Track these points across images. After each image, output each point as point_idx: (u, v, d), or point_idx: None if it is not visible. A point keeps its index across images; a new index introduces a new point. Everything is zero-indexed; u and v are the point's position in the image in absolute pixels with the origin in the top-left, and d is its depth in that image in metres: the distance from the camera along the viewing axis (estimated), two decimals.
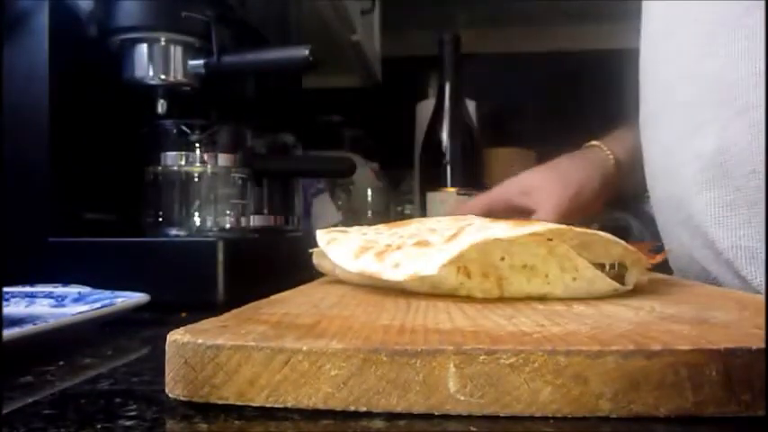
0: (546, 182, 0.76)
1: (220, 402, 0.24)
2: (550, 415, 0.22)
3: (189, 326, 0.26)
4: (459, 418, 0.22)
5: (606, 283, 0.35)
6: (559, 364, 0.22)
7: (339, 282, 0.43)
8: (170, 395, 0.25)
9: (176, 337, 0.25)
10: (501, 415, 0.22)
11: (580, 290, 0.34)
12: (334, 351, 0.23)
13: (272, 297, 0.36)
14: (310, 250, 0.47)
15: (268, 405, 0.23)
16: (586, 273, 0.34)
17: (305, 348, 0.23)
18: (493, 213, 0.71)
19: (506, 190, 0.79)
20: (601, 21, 1.66)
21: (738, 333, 0.25)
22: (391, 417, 0.23)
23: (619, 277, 0.36)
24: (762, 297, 0.43)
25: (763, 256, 0.47)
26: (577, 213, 0.74)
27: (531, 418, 0.22)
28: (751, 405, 0.22)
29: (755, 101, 0.45)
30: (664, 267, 0.53)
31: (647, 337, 0.23)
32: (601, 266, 0.35)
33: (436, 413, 0.22)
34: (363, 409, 0.23)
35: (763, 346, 0.22)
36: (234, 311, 0.31)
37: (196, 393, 0.24)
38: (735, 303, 0.33)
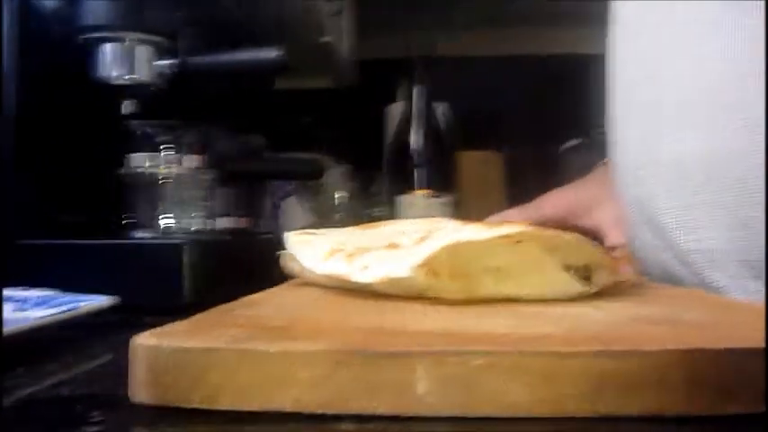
0: (602, 199, 0.71)
1: (187, 407, 0.23)
2: (520, 416, 0.22)
3: (154, 329, 0.26)
4: (428, 419, 0.22)
5: (575, 285, 0.35)
6: (529, 365, 0.22)
7: (309, 285, 0.43)
8: (134, 400, 0.24)
9: (141, 340, 0.24)
10: (471, 416, 0.22)
11: (549, 292, 0.35)
12: (305, 353, 0.23)
13: (243, 299, 0.36)
14: (279, 252, 0.47)
15: (236, 409, 0.23)
16: (555, 275, 0.34)
17: (273, 350, 0.23)
18: None
19: (554, 209, 0.74)
20: (573, 25, 1.68)
21: (714, 334, 0.25)
22: (361, 419, 0.22)
23: (587, 279, 0.36)
24: (726, 299, 0.44)
25: (722, 259, 0.48)
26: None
27: (501, 420, 0.22)
28: (718, 405, 0.22)
29: (715, 105, 0.46)
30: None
31: (616, 339, 0.24)
32: (568, 268, 0.35)
33: (406, 415, 0.22)
34: (333, 412, 0.22)
35: (728, 346, 0.22)
36: (201, 314, 0.30)
37: (162, 398, 0.23)
38: (702, 304, 0.34)
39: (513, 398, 0.22)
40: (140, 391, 0.24)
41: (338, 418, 0.22)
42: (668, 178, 0.50)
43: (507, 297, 0.35)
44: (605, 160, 0.77)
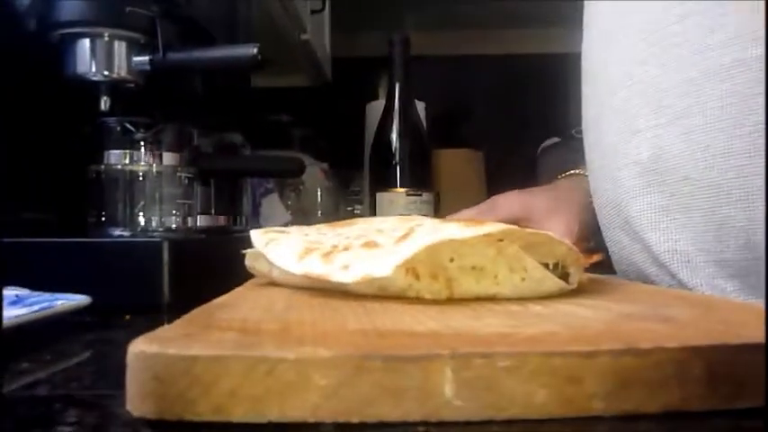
0: (556, 211, 0.73)
1: (195, 420, 0.22)
2: (545, 417, 0.22)
3: (148, 334, 0.24)
4: (453, 424, 0.22)
5: (554, 283, 0.35)
6: (554, 366, 0.22)
7: (273, 285, 0.42)
8: (134, 414, 0.22)
9: (142, 347, 0.22)
10: (496, 419, 0.22)
11: (528, 290, 0.35)
12: (323, 359, 0.22)
13: (216, 302, 0.35)
14: (243, 251, 0.46)
15: (248, 420, 0.22)
16: (535, 273, 0.35)
17: (291, 356, 0.22)
18: None
19: (510, 211, 0.74)
20: (549, 24, 1.69)
21: (709, 330, 0.26)
22: (384, 426, 0.22)
23: (562, 276, 0.36)
24: (695, 295, 0.44)
25: (698, 260, 0.48)
26: (583, 239, 0.71)
27: (525, 421, 0.22)
28: (731, 398, 0.23)
29: (688, 109, 0.47)
30: (600, 267, 0.54)
31: (630, 336, 0.24)
32: (546, 266, 0.36)
33: (432, 420, 0.22)
34: (355, 419, 0.22)
35: (740, 342, 0.23)
36: (185, 317, 0.29)
37: (167, 410, 0.22)
38: (681, 301, 0.34)
39: (539, 399, 0.22)
40: (142, 403, 0.22)
41: (361, 426, 0.22)
42: (643, 182, 0.51)
43: (486, 295, 0.35)
44: (565, 174, 0.78)
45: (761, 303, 0.36)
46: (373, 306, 0.33)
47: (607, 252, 0.60)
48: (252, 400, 0.21)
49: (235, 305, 0.34)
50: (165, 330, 0.25)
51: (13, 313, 0.40)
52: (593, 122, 0.58)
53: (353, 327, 0.27)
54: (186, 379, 0.21)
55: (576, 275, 0.37)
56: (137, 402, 0.22)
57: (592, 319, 0.28)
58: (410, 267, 0.34)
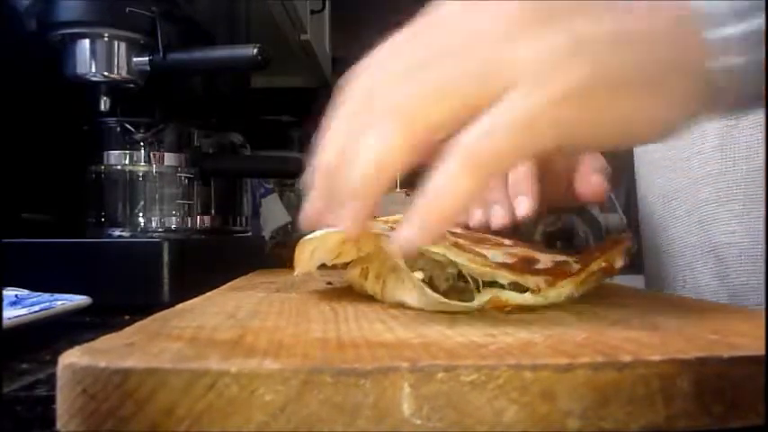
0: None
1: None
2: None
3: (87, 344, 0.22)
4: None
5: (430, 301, 0.32)
6: (525, 380, 0.20)
7: (248, 287, 0.42)
8: (64, 430, 0.20)
9: (72, 359, 0.20)
10: None
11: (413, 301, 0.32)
12: (268, 372, 0.20)
13: (179, 306, 0.33)
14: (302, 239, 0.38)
15: None
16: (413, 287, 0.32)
17: (233, 370, 0.19)
18: None
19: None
20: None
21: (700, 341, 0.24)
22: None
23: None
24: (699, 300, 0.44)
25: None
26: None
27: None
28: (723, 417, 0.21)
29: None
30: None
31: (611, 347, 0.22)
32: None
33: None
34: None
35: (733, 354, 0.21)
36: (138, 324, 0.27)
37: (97, 428, 0.20)
38: (674, 307, 0.33)
39: (509, 417, 0.20)
40: (70, 420, 0.20)
41: None
42: (708, 170, 0.50)
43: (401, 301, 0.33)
44: None
45: (761, 310, 0.33)
46: (345, 310, 0.31)
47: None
48: (191, 418, 0.19)
49: (197, 310, 0.32)
50: (106, 340, 0.24)
51: (13, 313, 0.40)
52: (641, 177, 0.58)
53: (315, 335, 0.25)
54: (118, 394, 0.20)
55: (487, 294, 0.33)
56: (65, 419, 0.20)
57: (575, 326, 0.27)
58: (362, 268, 0.34)
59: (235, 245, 0.78)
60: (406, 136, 0.25)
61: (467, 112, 0.25)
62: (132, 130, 0.66)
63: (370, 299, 0.35)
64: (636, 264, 0.58)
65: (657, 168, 0.57)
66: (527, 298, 0.32)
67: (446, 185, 0.24)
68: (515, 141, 0.24)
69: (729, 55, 0.25)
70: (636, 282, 0.56)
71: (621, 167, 0.59)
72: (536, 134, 0.25)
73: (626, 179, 0.65)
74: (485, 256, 0.31)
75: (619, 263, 0.36)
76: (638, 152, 0.61)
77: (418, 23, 0.29)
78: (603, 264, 0.35)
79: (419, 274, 0.32)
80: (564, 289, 0.33)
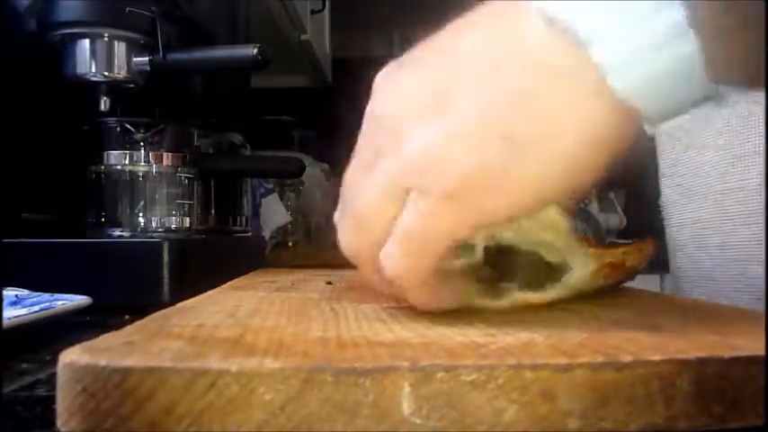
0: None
1: None
2: None
3: (87, 343, 0.22)
4: None
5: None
6: (525, 380, 0.20)
7: (248, 286, 0.42)
8: (62, 430, 0.20)
9: (72, 357, 0.20)
10: None
11: None
12: (268, 371, 0.20)
13: (179, 305, 0.33)
14: None
15: None
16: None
17: (233, 369, 0.20)
18: None
19: None
20: None
21: (700, 341, 0.24)
22: None
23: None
24: (700, 301, 0.44)
25: None
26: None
27: None
28: (723, 417, 0.21)
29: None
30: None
31: (611, 347, 0.22)
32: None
33: None
34: None
35: (734, 355, 0.21)
36: (139, 323, 0.27)
37: (97, 427, 0.20)
38: (675, 307, 0.33)
39: (508, 417, 0.20)
40: (70, 418, 0.20)
41: None
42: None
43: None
44: None
45: (761, 310, 0.33)
46: (346, 310, 0.31)
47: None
48: (191, 417, 0.19)
49: (198, 309, 0.32)
50: (106, 338, 0.24)
51: (13, 313, 0.40)
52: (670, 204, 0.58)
53: (315, 335, 0.25)
54: (118, 393, 0.20)
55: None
56: (65, 417, 0.20)
57: (575, 326, 0.27)
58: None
59: (235, 245, 0.79)
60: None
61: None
62: (132, 130, 0.66)
63: (370, 299, 0.35)
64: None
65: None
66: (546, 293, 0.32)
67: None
68: (426, 248, 0.27)
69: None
70: (650, 282, 0.57)
71: (636, 168, 0.60)
72: (438, 236, 0.27)
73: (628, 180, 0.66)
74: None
75: (640, 266, 0.36)
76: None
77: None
78: (632, 262, 0.35)
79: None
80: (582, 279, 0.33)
